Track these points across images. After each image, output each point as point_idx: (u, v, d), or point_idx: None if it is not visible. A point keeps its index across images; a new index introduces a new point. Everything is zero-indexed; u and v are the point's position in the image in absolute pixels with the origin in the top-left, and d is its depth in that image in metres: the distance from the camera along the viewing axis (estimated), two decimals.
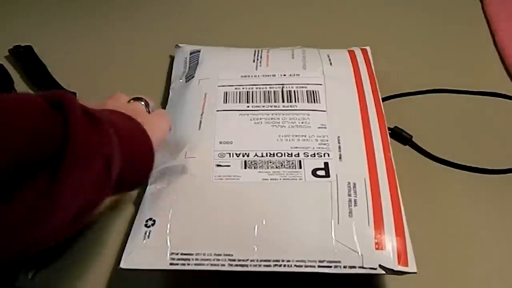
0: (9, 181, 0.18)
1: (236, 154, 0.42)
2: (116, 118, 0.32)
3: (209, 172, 0.41)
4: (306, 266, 0.35)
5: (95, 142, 0.24)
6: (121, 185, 0.29)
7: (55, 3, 0.69)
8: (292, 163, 0.41)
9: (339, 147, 0.43)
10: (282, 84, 0.48)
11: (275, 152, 0.42)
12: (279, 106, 0.46)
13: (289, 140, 0.43)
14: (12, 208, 0.19)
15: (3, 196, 0.18)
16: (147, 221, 0.38)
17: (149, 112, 0.42)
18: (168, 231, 0.37)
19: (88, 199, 0.25)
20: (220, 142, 0.43)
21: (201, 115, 0.46)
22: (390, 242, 0.36)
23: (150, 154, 0.34)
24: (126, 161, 0.29)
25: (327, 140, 0.43)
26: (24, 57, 0.59)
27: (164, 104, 0.52)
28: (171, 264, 0.35)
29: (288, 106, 0.46)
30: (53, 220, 0.21)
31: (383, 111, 0.47)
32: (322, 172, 0.41)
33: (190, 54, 0.55)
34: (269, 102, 0.47)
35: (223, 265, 0.35)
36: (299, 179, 0.40)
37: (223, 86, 0.49)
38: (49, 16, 0.67)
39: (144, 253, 0.36)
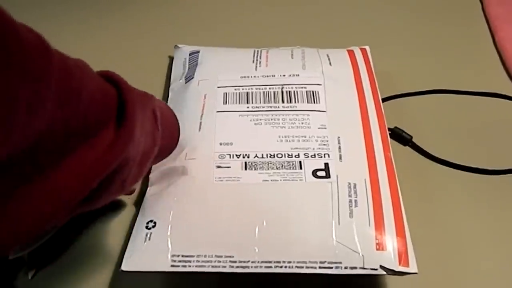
0: (93, 125, 0.25)
1: (236, 155, 0.42)
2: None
3: (210, 173, 0.41)
4: (307, 267, 0.35)
5: (143, 96, 0.31)
6: (161, 148, 0.35)
7: (54, 4, 0.69)
8: (293, 164, 0.41)
9: (339, 147, 0.43)
10: (282, 85, 0.48)
11: (275, 153, 0.42)
12: (279, 107, 0.46)
13: (289, 141, 0.43)
14: (103, 137, 0.26)
15: (90, 135, 0.25)
16: (148, 223, 0.38)
17: None
18: (169, 233, 0.37)
19: (147, 146, 0.31)
20: (220, 144, 0.43)
21: (201, 116, 0.46)
22: (391, 243, 0.36)
23: (176, 120, 0.40)
24: (161, 123, 0.34)
25: (327, 141, 0.43)
26: None
27: None
28: (172, 266, 0.35)
29: (288, 107, 0.46)
30: (128, 148, 0.26)
31: (383, 111, 0.47)
32: (322, 173, 0.41)
33: (190, 54, 0.55)
34: (269, 102, 0.47)
35: (224, 266, 0.35)
36: (300, 180, 0.40)
37: (223, 87, 0.48)
38: (48, 17, 0.67)
39: (145, 255, 0.36)
